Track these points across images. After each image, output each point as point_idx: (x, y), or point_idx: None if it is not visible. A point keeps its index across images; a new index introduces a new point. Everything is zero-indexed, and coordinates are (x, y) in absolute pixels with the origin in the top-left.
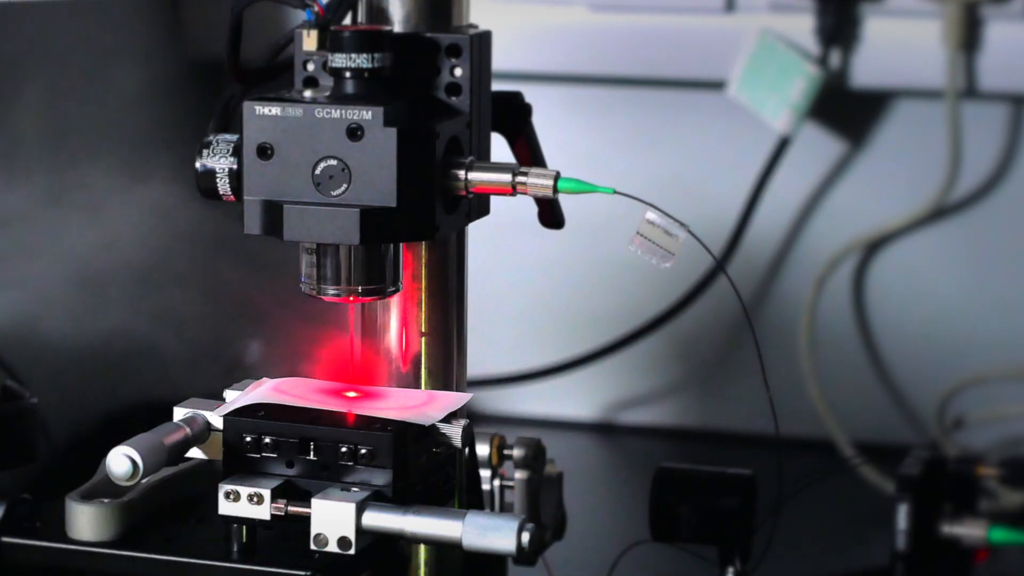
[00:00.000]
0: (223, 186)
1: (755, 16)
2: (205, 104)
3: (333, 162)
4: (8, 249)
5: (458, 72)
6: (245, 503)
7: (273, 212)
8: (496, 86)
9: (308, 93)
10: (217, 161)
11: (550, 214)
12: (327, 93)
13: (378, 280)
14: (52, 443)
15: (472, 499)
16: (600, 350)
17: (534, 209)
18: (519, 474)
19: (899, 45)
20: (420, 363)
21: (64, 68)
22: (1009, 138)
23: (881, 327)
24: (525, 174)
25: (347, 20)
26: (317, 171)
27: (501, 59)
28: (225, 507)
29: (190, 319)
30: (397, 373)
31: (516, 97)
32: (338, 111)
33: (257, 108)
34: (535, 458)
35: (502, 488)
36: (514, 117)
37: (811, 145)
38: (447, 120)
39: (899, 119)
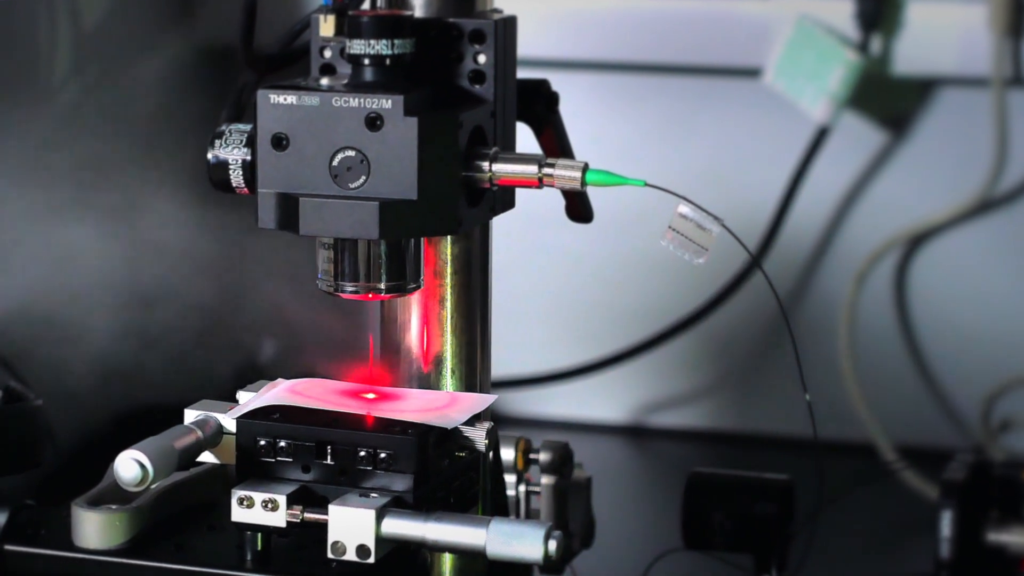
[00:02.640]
0: (236, 178)
1: (792, 0)
2: (217, 93)
3: (351, 153)
4: (12, 245)
5: (482, 59)
6: (259, 509)
7: (288, 205)
8: (522, 73)
9: (325, 81)
10: (230, 152)
11: (578, 207)
12: (345, 81)
13: (398, 277)
14: (57, 447)
15: (497, 505)
16: (630, 349)
17: (561, 202)
18: (546, 479)
19: (943, 30)
20: (442, 363)
21: (71, 56)
22: None
23: (924, 325)
24: (552, 166)
25: (366, 4)
26: (334, 162)
27: (527, 45)
28: (238, 514)
29: (202, 317)
30: (418, 373)
31: (542, 85)
32: (356, 100)
33: (272, 97)
34: (562, 462)
35: (528, 494)
36: (540, 106)
37: (851, 135)
38: (470, 109)
39: (943, 108)
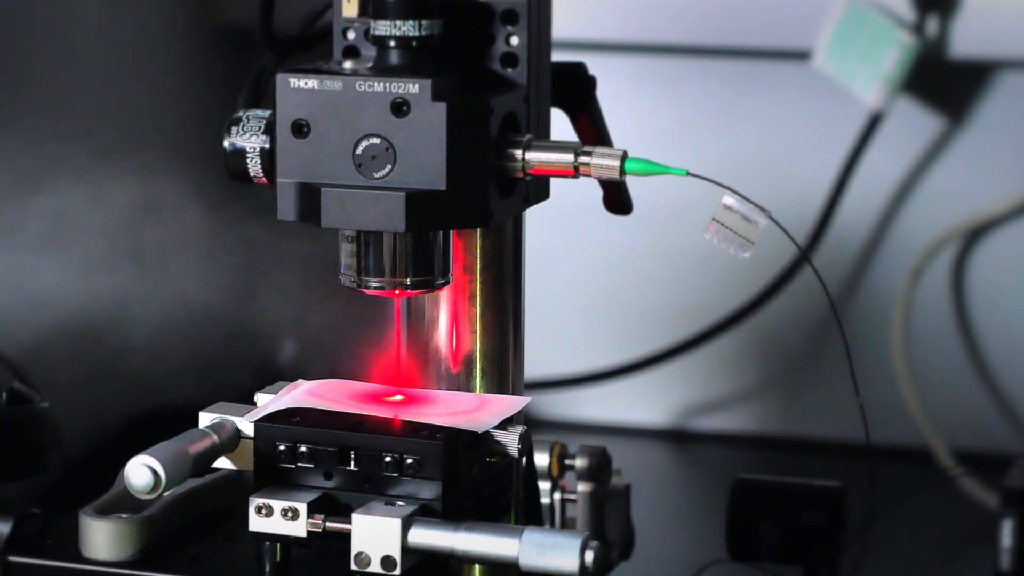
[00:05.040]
0: (254, 167)
1: None
2: (234, 76)
3: (376, 141)
4: (17, 239)
5: (515, 41)
6: (278, 518)
7: (309, 196)
8: (557, 56)
9: (348, 64)
10: (247, 140)
11: (617, 198)
12: (369, 64)
13: (426, 272)
14: (64, 452)
15: (530, 514)
16: (672, 349)
17: (599, 193)
18: (582, 486)
19: (1003, 11)
20: (473, 363)
21: (82, 37)
22: None
23: (983, 323)
24: (589, 154)
25: None
26: (358, 151)
27: (562, 26)
28: (256, 523)
29: (217, 314)
30: (447, 374)
31: (579, 68)
32: (381, 84)
33: (292, 81)
34: (600, 468)
35: (563, 502)
36: (577, 91)
37: (906, 122)
38: (502, 94)
39: (1003, 92)
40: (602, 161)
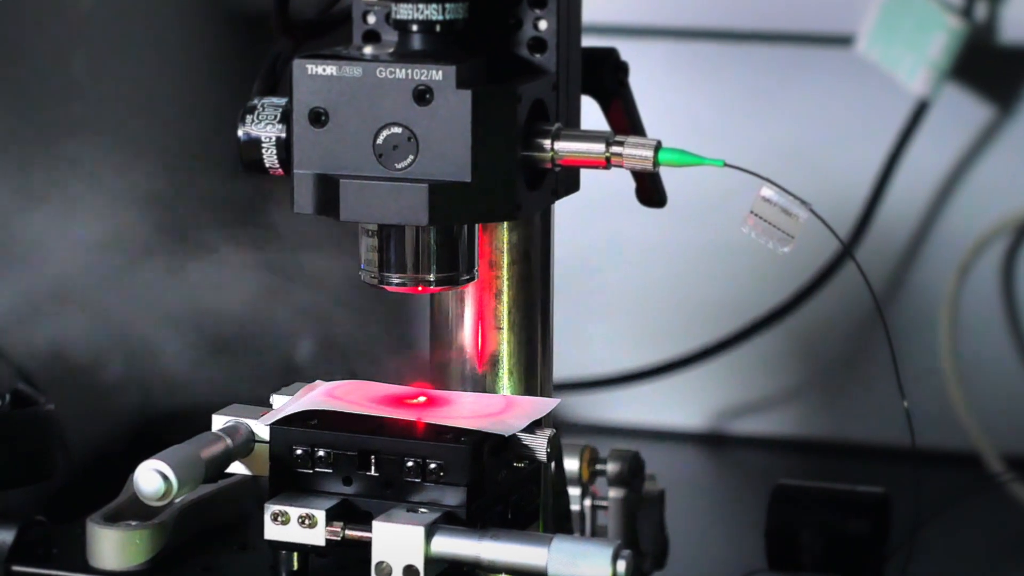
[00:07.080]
0: (270, 157)
1: None
2: (249, 63)
3: (397, 130)
4: (23, 237)
5: (543, 25)
6: (295, 526)
7: (328, 188)
8: (587, 41)
9: (368, 50)
10: (263, 129)
11: (650, 190)
12: (391, 50)
13: (450, 267)
14: (71, 456)
15: (559, 521)
16: (708, 348)
17: (631, 184)
18: (614, 492)
19: None
20: (499, 363)
21: (93, 23)
22: None
23: None
24: (621, 144)
25: None
26: (379, 140)
27: (593, 10)
28: (272, 531)
29: (231, 313)
30: (472, 375)
31: (611, 54)
32: (403, 71)
33: (309, 67)
34: (632, 474)
35: (594, 508)
36: (608, 78)
37: (953, 110)
38: (530, 81)
39: None
40: (635, 151)
